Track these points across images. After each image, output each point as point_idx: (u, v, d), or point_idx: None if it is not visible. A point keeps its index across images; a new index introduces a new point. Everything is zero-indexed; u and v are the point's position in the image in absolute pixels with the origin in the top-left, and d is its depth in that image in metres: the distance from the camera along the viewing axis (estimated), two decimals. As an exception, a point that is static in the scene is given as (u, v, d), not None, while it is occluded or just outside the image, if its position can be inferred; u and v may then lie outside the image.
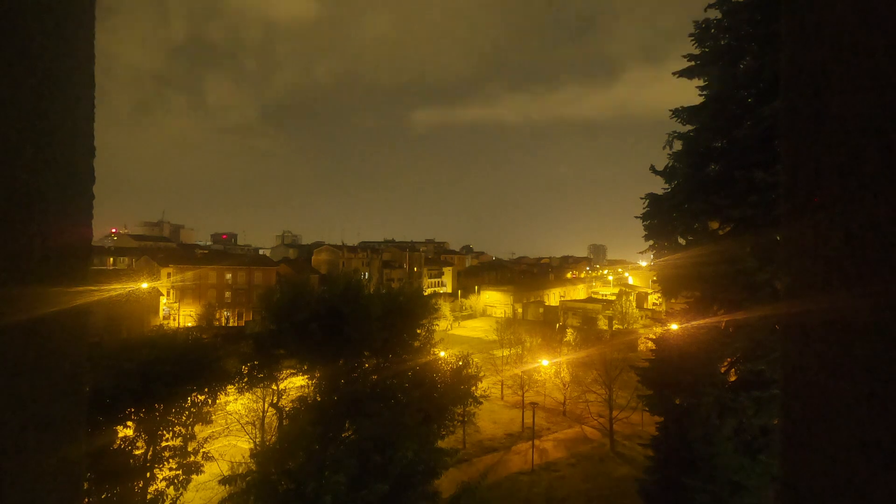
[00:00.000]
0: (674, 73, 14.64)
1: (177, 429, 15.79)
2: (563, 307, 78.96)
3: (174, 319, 66.02)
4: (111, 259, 73.19)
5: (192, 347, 17.28)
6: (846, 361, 0.66)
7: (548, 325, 55.53)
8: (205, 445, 16.70)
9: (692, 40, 14.23)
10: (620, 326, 59.11)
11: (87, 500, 12.48)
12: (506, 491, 24.89)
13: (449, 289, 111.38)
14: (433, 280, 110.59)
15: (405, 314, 23.93)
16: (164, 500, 14.58)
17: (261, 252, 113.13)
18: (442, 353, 26.07)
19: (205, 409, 16.44)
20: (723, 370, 12.35)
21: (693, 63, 14.27)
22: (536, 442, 30.30)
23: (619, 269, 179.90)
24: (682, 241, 14.32)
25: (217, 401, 17.22)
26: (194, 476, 15.70)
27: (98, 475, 13.21)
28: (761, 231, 12.75)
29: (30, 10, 0.70)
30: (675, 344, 13.83)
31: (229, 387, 18.22)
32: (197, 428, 16.70)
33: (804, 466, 0.72)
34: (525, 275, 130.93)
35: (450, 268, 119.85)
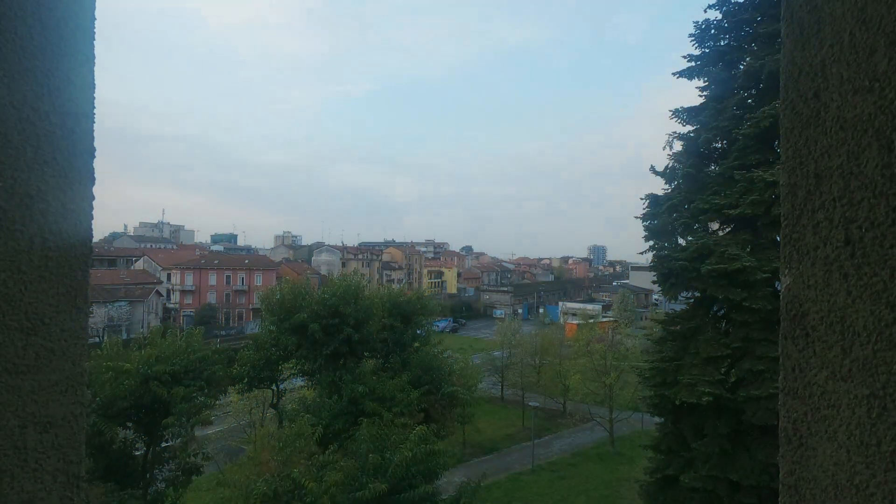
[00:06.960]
0: (674, 74, 14.68)
1: (176, 429, 15.78)
2: (563, 307, 79.00)
3: (174, 320, 66.04)
4: (111, 259, 73.18)
5: (192, 348, 17.27)
6: (846, 361, 0.66)
7: (547, 325, 55.51)
8: (204, 446, 16.70)
9: (692, 41, 14.24)
10: (620, 327, 59.07)
11: (87, 500, 12.48)
12: (506, 491, 24.87)
13: (449, 289, 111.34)
14: (433, 280, 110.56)
15: (405, 315, 23.98)
16: (164, 501, 14.58)
17: (261, 252, 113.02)
18: (442, 353, 26.09)
19: (204, 410, 16.43)
20: (722, 370, 12.35)
21: (693, 64, 14.29)
22: (536, 442, 30.29)
23: (619, 269, 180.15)
24: (682, 241, 14.33)
25: (217, 401, 17.22)
26: (194, 477, 15.70)
27: (98, 475, 13.22)
28: (761, 231, 12.75)
29: (30, 10, 0.70)
30: (675, 343, 13.84)
31: (229, 387, 18.21)
32: (196, 428, 16.69)
33: (804, 466, 0.72)
34: (525, 275, 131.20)
35: (450, 268, 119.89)
